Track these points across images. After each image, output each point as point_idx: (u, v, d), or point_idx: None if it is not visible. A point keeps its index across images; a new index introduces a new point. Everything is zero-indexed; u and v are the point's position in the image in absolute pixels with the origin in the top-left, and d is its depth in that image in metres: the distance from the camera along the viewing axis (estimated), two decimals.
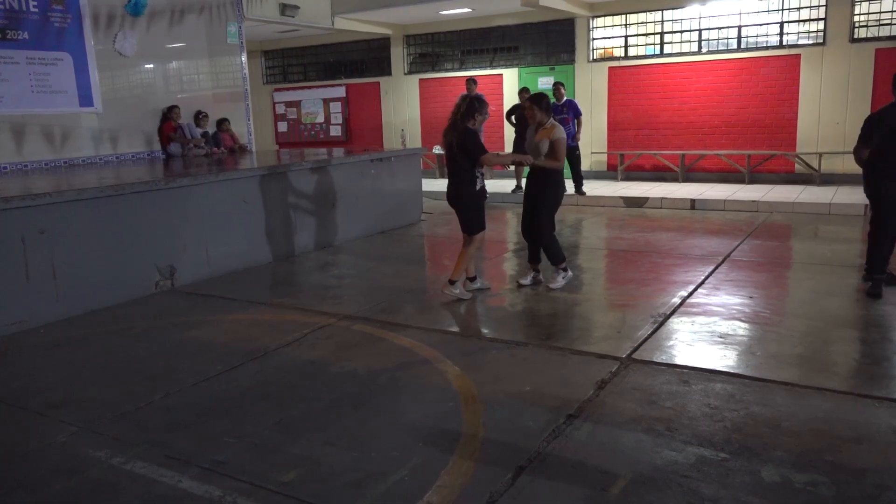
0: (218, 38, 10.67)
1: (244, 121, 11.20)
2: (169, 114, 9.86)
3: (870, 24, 10.75)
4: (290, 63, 16.85)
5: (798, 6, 11.19)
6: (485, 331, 4.93)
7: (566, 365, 4.20)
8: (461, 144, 5.25)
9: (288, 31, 14.24)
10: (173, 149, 9.81)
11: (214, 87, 10.81)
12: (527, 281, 5.99)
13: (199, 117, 10.16)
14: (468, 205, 5.43)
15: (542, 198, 5.73)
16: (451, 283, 5.52)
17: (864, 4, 10.73)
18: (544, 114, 5.66)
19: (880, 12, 10.65)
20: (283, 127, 16.90)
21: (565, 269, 5.91)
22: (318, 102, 16.25)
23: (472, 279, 5.74)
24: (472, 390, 3.84)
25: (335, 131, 16.14)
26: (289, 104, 16.69)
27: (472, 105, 5.28)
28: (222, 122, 10.56)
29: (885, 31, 10.66)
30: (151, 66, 9.92)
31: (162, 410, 3.74)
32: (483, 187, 5.47)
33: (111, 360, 4.61)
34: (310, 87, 16.41)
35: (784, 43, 11.34)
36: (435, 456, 3.13)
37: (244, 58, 11.10)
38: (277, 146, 16.63)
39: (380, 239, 8.54)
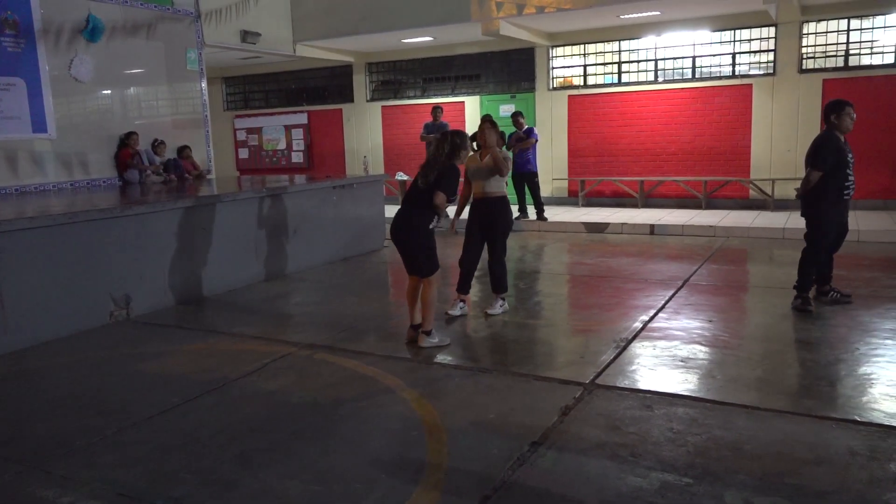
0: (177, 64, 10.58)
1: (204, 147, 11.07)
2: (126, 140, 9.70)
3: (817, 55, 11.16)
4: (251, 90, 16.78)
5: (749, 38, 11.57)
6: (448, 358, 4.89)
7: (530, 391, 4.18)
8: (442, 179, 4.89)
9: (249, 58, 14.20)
10: (130, 176, 9.64)
11: (174, 114, 10.68)
12: (455, 311, 5.86)
13: (156, 144, 10.01)
14: (424, 244, 5.00)
15: (496, 224, 5.74)
16: (427, 333, 5.06)
17: (812, 37, 11.15)
18: (500, 138, 5.77)
19: (826, 45, 11.07)
20: (244, 154, 16.75)
21: (504, 299, 5.99)
22: (280, 129, 16.18)
23: (417, 327, 5.15)
24: (436, 419, 3.79)
25: (297, 158, 16.07)
26: (250, 131, 16.58)
27: (456, 143, 5.00)
28: (183, 149, 10.43)
29: (831, 63, 11.07)
30: (108, 91, 9.78)
31: (115, 446, 3.60)
32: (434, 227, 5.09)
33: (61, 393, 4.45)
34: (271, 114, 16.34)
35: (736, 73, 11.70)
36: (399, 487, 3.07)
37: (204, 84, 11.02)
38: (238, 173, 16.48)
39: (342, 266, 8.47)
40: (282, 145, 16.22)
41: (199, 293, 6.87)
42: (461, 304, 5.94)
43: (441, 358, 4.86)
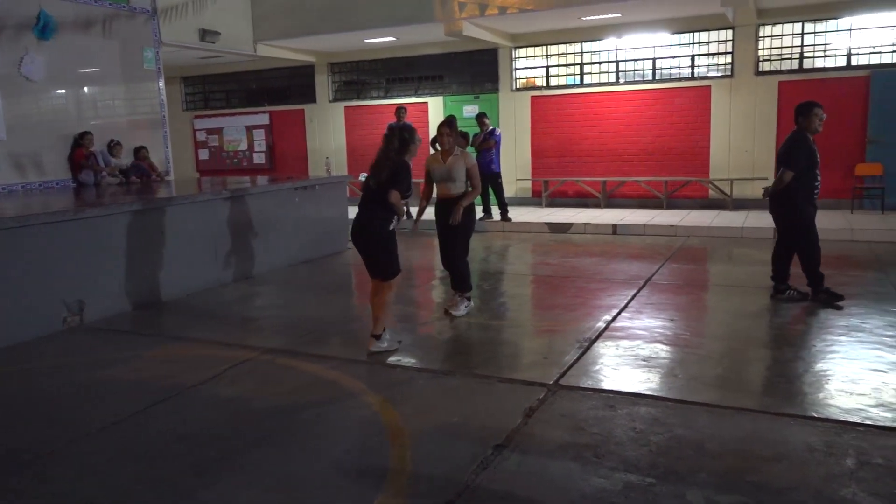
0: (133, 63, 10.33)
1: (162, 148, 10.84)
2: (80, 140, 9.44)
3: (772, 58, 11.39)
4: (211, 89, 16.50)
5: (707, 41, 11.76)
6: (412, 361, 4.85)
7: (494, 393, 4.16)
8: (394, 176, 4.80)
9: (209, 58, 13.95)
10: (85, 177, 9.38)
11: (130, 114, 10.44)
12: (461, 311, 5.87)
13: (112, 145, 9.76)
14: (385, 246, 4.91)
15: (457, 225, 5.70)
16: (377, 337, 4.95)
17: (768, 40, 11.37)
18: (462, 139, 5.75)
19: (781, 47, 11.31)
20: (204, 155, 16.47)
21: (469, 299, 5.94)
22: (241, 130, 15.95)
23: (377, 335, 4.97)
24: (399, 423, 3.75)
25: (259, 159, 15.85)
26: (210, 131, 16.30)
27: (404, 137, 4.90)
28: (139, 150, 10.18)
29: (786, 65, 11.31)
30: (61, 90, 9.51)
31: (66, 458, 3.48)
32: (394, 228, 4.98)
33: (10, 404, 4.29)
34: (232, 115, 16.09)
35: (695, 75, 11.88)
36: (362, 494, 3.02)
37: (162, 83, 10.79)
38: (198, 174, 16.18)
39: (305, 268, 8.36)
40: (243, 146, 15.99)
41: (157, 298, 6.71)
42: (466, 301, 5.92)
43: (405, 361, 4.81)
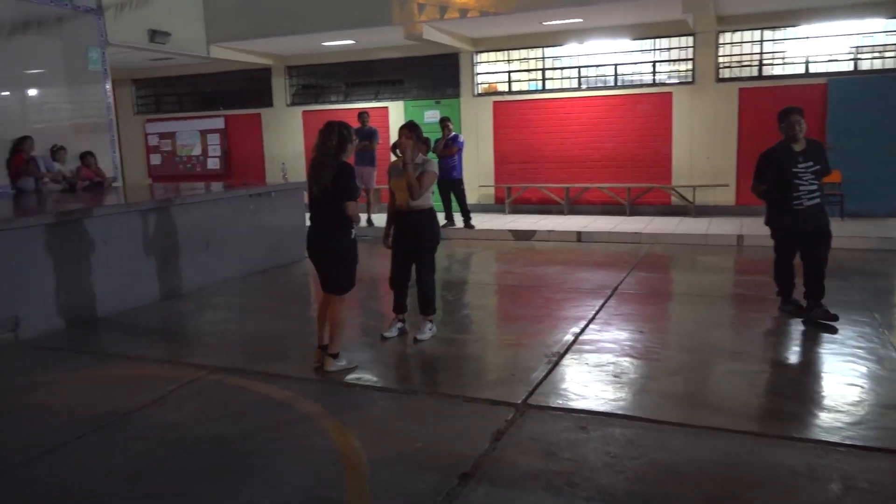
0: (78, 65, 9.84)
1: (109, 153, 10.34)
2: (20, 145, 8.91)
3: (732, 65, 11.42)
4: (163, 92, 15.94)
5: (668, 47, 11.74)
6: (373, 379, 4.57)
7: (459, 415, 3.92)
8: (339, 183, 4.43)
9: (160, 59, 13.44)
10: (24, 184, 8.86)
11: (74, 117, 9.94)
12: (392, 333, 5.39)
13: (54, 150, 9.26)
14: (345, 257, 4.59)
15: (421, 239, 5.24)
16: (334, 356, 4.65)
17: (728, 47, 11.40)
18: (423, 145, 5.38)
19: (741, 54, 11.34)
20: (156, 159, 15.89)
21: (432, 321, 5.45)
22: (195, 134, 15.42)
23: (334, 354, 4.67)
24: (358, 450, 3.47)
25: (213, 164, 15.34)
26: (163, 135, 15.74)
27: (343, 134, 4.47)
28: (85, 156, 9.68)
29: (746, 72, 11.35)
30: (0, 93, 8.97)
31: None
32: (356, 236, 4.67)
33: None
34: (186, 118, 15.55)
35: (657, 81, 11.85)
36: None
37: (108, 86, 10.32)
38: (150, 180, 15.60)
39: (260, 279, 8.00)
40: (197, 151, 15.46)
41: (94, 313, 6.27)
42: (399, 324, 5.45)
43: (364, 379, 4.53)
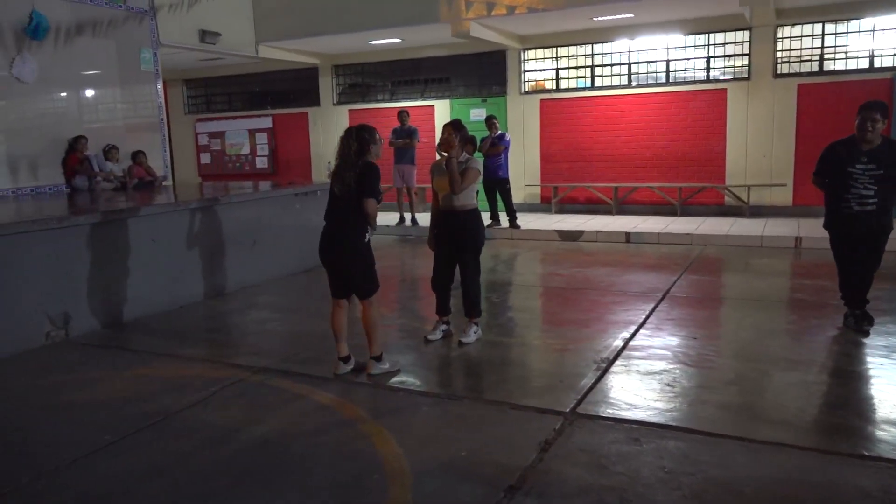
0: (131, 65, 10.02)
1: (160, 153, 10.51)
2: (74, 144, 9.12)
3: (791, 60, 10.99)
4: (213, 92, 16.19)
5: (723, 42, 11.37)
6: (416, 383, 4.48)
7: (505, 422, 3.79)
8: (363, 183, 4.32)
9: (210, 59, 13.64)
10: (79, 182, 9.07)
11: (127, 117, 10.12)
12: (436, 336, 5.29)
13: (107, 150, 9.44)
14: (363, 259, 4.47)
15: (465, 240, 5.11)
16: (377, 359, 4.58)
17: (787, 41, 10.97)
18: (469, 145, 5.24)
19: (801, 49, 10.91)
20: (206, 158, 16.15)
21: (477, 324, 5.33)
22: (244, 133, 15.62)
23: (346, 359, 4.64)
24: (400, 457, 3.38)
25: (262, 163, 15.51)
26: (212, 135, 15.98)
27: (363, 137, 4.36)
28: (136, 155, 9.85)
29: (805, 67, 10.91)
30: (55, 93, 9.20)
31: (29, 497, 3.13)
32: (370, 240, 4.53)
33: None
34: (235, 118, 15.77)
35: (711, 77, 11.49)
36: None
37: (160, 86, 10.47)
38: (200, 179, 15.86)
39: (304, 278, 8.00)
40: (245, 150, 15.66)
41: (148, 310, 6.35)
42: (444, 326, 5.35)
43: (407, 383, 4.44)
